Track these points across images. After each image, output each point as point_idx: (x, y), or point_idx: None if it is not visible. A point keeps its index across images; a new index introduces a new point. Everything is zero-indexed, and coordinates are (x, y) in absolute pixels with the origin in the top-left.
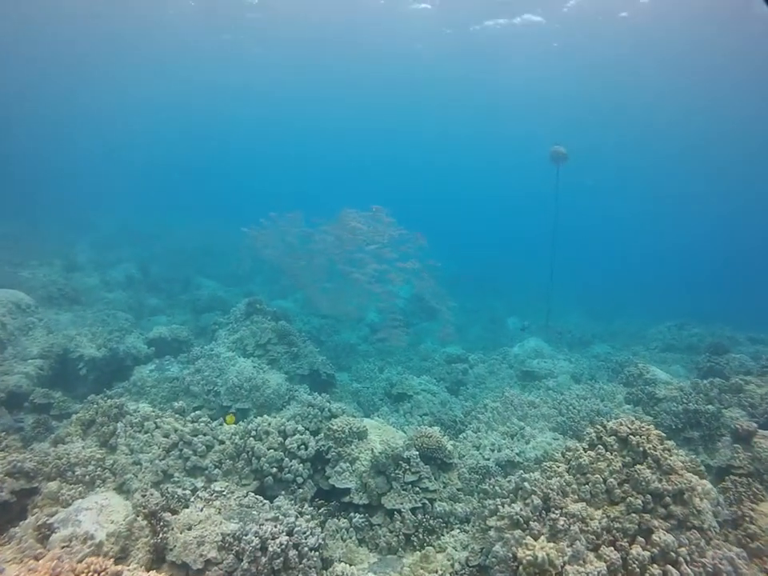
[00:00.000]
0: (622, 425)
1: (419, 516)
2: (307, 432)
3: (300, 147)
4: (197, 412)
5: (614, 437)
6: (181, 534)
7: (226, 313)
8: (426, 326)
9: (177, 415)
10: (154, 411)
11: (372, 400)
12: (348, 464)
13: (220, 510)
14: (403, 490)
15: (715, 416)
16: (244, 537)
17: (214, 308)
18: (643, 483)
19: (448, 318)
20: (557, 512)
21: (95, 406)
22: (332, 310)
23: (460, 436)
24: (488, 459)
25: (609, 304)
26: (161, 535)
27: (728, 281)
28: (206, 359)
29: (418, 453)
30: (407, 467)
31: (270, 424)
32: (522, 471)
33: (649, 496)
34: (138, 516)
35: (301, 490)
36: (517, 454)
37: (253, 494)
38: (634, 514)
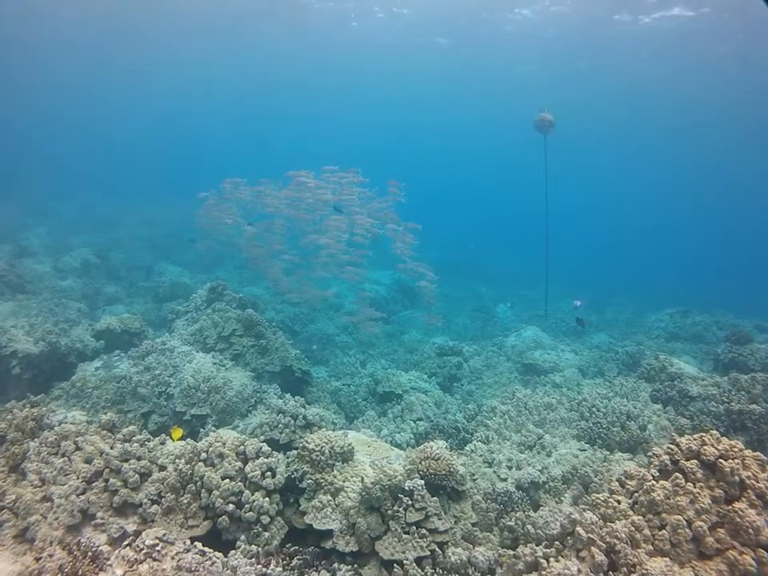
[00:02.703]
0: (705, 444)
1: (427, 569)
2: (273, 454)
3: (277, 131)
4: (130, 428)
5: (695, 461)
6: None
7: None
8: (408, 314)
9: (104, 432)
10: (77, 426)
11: (354, 401)
12: (329, 497)
13: None
14: (404, 532)
15: (764, 418)
16: None
17: (178, 296)
18: (750, 531)
19: (431, 291)
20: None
21: (9, 416)
22: (300, 294)
23: (466, 447)
24: (505, 479)
25: (598, 289)
26: None
27: (722, 266)
28: (158, 355)
29: (423, 482)
30: (410, 502)
31: (224, 444)
32: (571, 511)
33: (763, 552)
34: None
35: (266, 534)
36: (539, 471)
37: (198, 549)
38: None
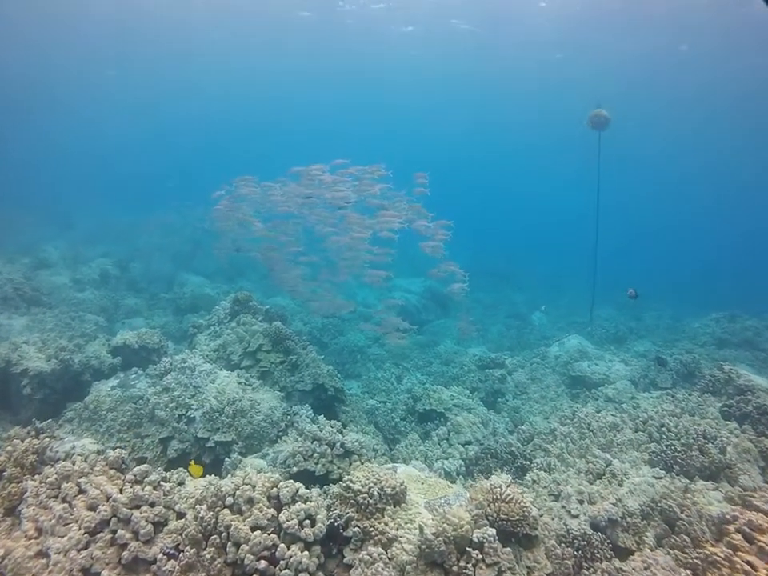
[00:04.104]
0: None
1: None
2: (312, 498)
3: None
4: (141, 467)
5: None
6: None
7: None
8: (441, 323)
9: (112, 471)
10: (80, 465)
11: (392, 420)
12: (380, 548)
13: None
14: None
15: None
16: None
17: (200, 307)
18: None
19: (463, 291)
20: None
21: (9, 447)
22: (322, 308)
23: (526, 477)
24: (577, 516)
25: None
26: None
27: (758, 266)
28: (177, 374)
29: (494, 531)
30: (479, 556)
31: (254, 486)
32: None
33: None
34: None
35: None
36: (613, 504)
37: None
38: None
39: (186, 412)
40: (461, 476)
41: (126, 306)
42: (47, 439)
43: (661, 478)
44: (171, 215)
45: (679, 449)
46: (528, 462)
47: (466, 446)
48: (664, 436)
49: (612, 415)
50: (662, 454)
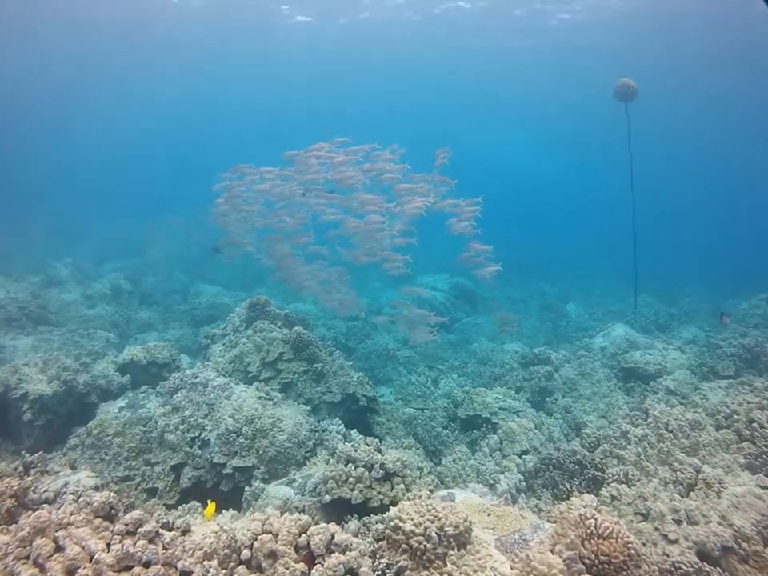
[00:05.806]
0: None
1: None
2: (352, 545)
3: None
4: (133, 514)
5: None
6: None
7: None
8: (471, 320)
9: (98, 520)
10: (58, 514)
11: (434, 430)
12: None
13: None
14: None
15: None
16: None
17: (217, 318)
18: None
19: (494, 269)
20: None
21: None
22: (336, 306)
23: (603, 492)
24: (676, 542)
25: (662, 279)
26: None
27: None
28: (188, 391)
29: None
30: None
31: (277, 535)
32: None
33: None
34: None
35: None
36: (718, 522)
37: None
38: None
39: (200, 434)
40: (521, 493)
41: (139, 319)
42: (32, 477)
43: (767, 488)
44: (176, 221)
45: None
46: (600, 474)
47: (523, 456)
48: (757, 434)
49: (690, 411)
50: (764, 457)
